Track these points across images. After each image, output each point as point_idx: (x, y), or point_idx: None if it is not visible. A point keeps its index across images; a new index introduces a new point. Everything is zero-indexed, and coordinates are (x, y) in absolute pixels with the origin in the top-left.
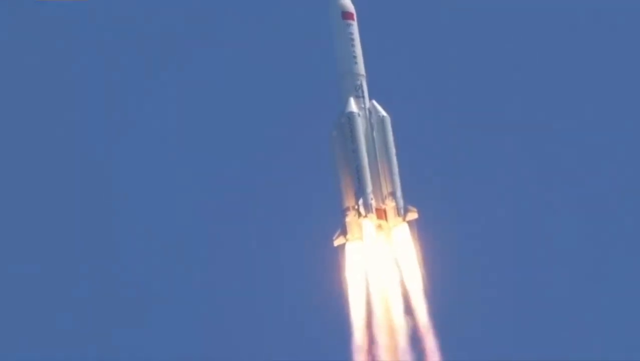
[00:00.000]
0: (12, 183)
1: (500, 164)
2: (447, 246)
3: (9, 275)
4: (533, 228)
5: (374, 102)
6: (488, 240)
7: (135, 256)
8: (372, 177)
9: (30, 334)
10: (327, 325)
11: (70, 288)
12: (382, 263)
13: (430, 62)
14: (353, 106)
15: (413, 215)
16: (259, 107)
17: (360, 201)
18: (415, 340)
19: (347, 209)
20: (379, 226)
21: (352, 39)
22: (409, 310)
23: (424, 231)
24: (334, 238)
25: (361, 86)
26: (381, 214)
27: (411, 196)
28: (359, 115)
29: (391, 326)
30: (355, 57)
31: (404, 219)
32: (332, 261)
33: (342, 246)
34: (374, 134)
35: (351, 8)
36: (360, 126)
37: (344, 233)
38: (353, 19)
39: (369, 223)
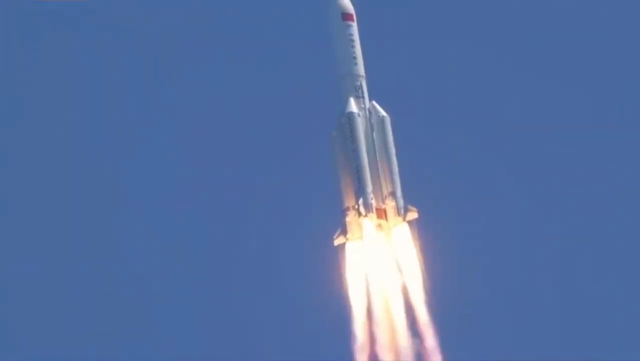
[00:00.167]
0: (12, 183)
1: (500, 164)
2: (447, 245)
3: (9, 275)
4: (533, 227)
5: (374, 102)
6: (488, 240)
7: (136, 256)
8: (372, 177)
9: (30, 334)
10: (327, 325)
11: (71, 288)
12: (382, 263)
13: (429, 62)
14: (353, 106)
15: (413, 215)
16: (260, 107)
17: (361, 201)
18: (415, 339)
19: (347, 208)
20: (379, 226)
21: (352, 40)
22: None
23: (424, 230)
24: (334, 237)
25: (361, 86)
26: (381, 213)
27: (411, 196)
28: (359, 115)
29: (391, 325)
30: (355, 58)
31: (404, 219)
32: (332, 260)
33: (343, 246)
34: (374, 134)
35: (351, 9)
36: (360, 126)
37: (344, 232)
38: (353, 20)
39: (369, 222)
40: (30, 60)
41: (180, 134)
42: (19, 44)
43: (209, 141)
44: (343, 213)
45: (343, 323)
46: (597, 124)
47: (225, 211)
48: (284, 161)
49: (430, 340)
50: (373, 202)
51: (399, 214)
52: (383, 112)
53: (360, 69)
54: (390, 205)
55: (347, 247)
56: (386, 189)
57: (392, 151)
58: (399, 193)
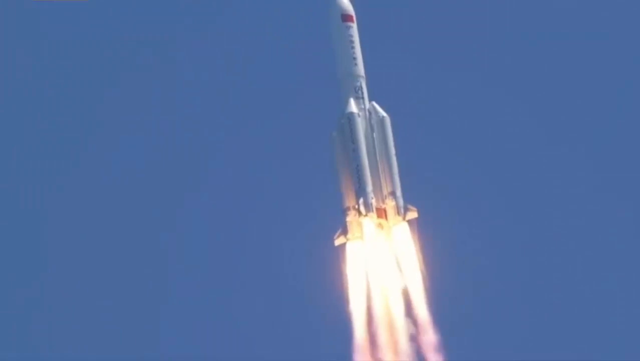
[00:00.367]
0: (12, 182)
1: (500, 164)
2: (446, 245)
3: (11, 274)
4: (533, 227)
5: (374, 103)
6: (488, 240)
7: (136, 256)
8: (372, 177)
9: (32, 334)
10: (327, 324)
11: (71, 288)
12: (382, 262)
13: (429, 63)
14: (353, 106)
15: (413, 214)
16: (260, 108)
17: (361, 201)
18: (415, 338)
19: (348, 208)
20: (379, 225)
21: (352, 41)
22: (409, 313)
23: (424, 230)
24: (334, 237)
25: (361, 87)
26: (381, 213)
27: (411, 196)
28: (358, 115)
29: (392, 324)
30: (355, 59)
31: (404, 219)
32: (332, 260)
33: (343, 246)
34: (374, 134)
35: (351, 11)
36: (360, 126)
37: (344, 232)
38: (353, 22)
39: (370, 222)
40: (30, 60)
41: (181, 134)
42: (18, 44)
43: (209, 141)
44: (343, 212)
45: (343, 323)
46: (597, 124)
47: (226, 211)
48: (285, 161)
49: (430, 339)
50: (373, 201)
51: (399, 213)
52: (383, 113)
53: (360, 69)
54: (390, 205)
55: (348, 247)
56: (386, 189)
57: (392, 151)
58: (398, 192)
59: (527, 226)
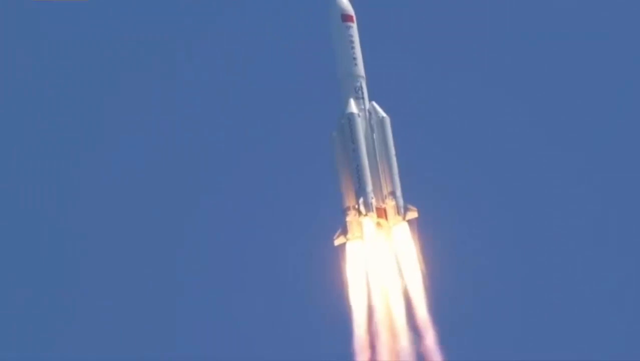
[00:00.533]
0: (12, 182)
1: (500, 164)
2: (446, 244)
3: (13, 272)
4: (532, 227)
5: (374, 103)
6: (488, 239)
7: (136, 256)
8: (372, 177)
9: (33, 334)
10: (328, 324)
11: (71, 288)
12: (382, 262)
13: (429, 63)
14: (353, 107)
15: (413, 214)
16: (260, 108)
17: (361, 200)
18: (415, 338)
19: (348, 208)
20: (379, 225)
21: (352, 42)
22: (409, 313)
23: (424, 229)
24: (334, 237)
25: (361, 87)
26: (381, 213)
27: (411, 196)
28: (358, 116)
29: (392, 324)
30: (355, 59)
31: (403, 218)
32: (332, 260)
33: (343, 246)
34: (374, 135)
35: (351, 11)
36: (360, 126)
37: (344, 232)
38: (353, 22)
39: (370, 221)
40: (30, 60)
41: (181, 134)
42: (18, 44)
43: (209, 141)
44: (343, 212)
45: (343, 323)
46: (598, 124)
47: (226, 211)
48: (285, 161)
49: (430, 339)
50: (373, 201)
51: (398, 213)
52: (383, 113)
53: (360, 70)
54: (390, 204)
55: (348, 247)
56: (386, 189)
57: (392, 151)
58: (398, 192)
59: (527, 226)
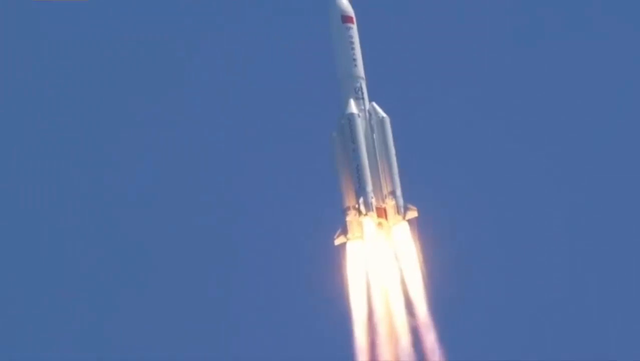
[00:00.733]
0: (12, 182)
1: (500, 164)
2: (446, 244)
3: (11, 275)
4: (532, 227)
5: (374, 103)
6: (488, 239)
7: (136, 256)
8: (372, 177)
9: (36, 334)
10: (328, 324)
11: (71, 288)
12: (382, 261)
13: (428, 64)
14: (353, 107)
15: (413, 214)
16: (261, 108)
17: (361, 200)
18: (416, 338)
19: (348, 208)
20: (379, 224)
21: (352, 42)
22: (410, 309)
23: (424, 229)
24: (334, 237)
25: (361, 88)
26: (381, 212)
27: (411, 195)
28: (358, 116)
29: (392, 324)
30: (355, 60)
31: (404, 218)
32: (332, 260)
33: (343, 245)
34: (374, 135)
35: (351, 12)
36: (360, 127)
37: (344, 232)
38: (353, 23)
39: (370, 221)
40: (30, 60)
41: (181, 134)
42: (18, 44)
43: (210, 141)
44: (343, 212)
45: (343, 323)
46: (598, 124)
47: (227, 211)
48: (285, 161)
49: (430, 338)
50: (373, 201)
51: (399, 213)
52: (383, 114)
53: (360, 70)
54: (390, 204)
55: (348, 246)
56: (386, 189)
57: (392, 151)
58: (398, 192)
59: (527, 225)
